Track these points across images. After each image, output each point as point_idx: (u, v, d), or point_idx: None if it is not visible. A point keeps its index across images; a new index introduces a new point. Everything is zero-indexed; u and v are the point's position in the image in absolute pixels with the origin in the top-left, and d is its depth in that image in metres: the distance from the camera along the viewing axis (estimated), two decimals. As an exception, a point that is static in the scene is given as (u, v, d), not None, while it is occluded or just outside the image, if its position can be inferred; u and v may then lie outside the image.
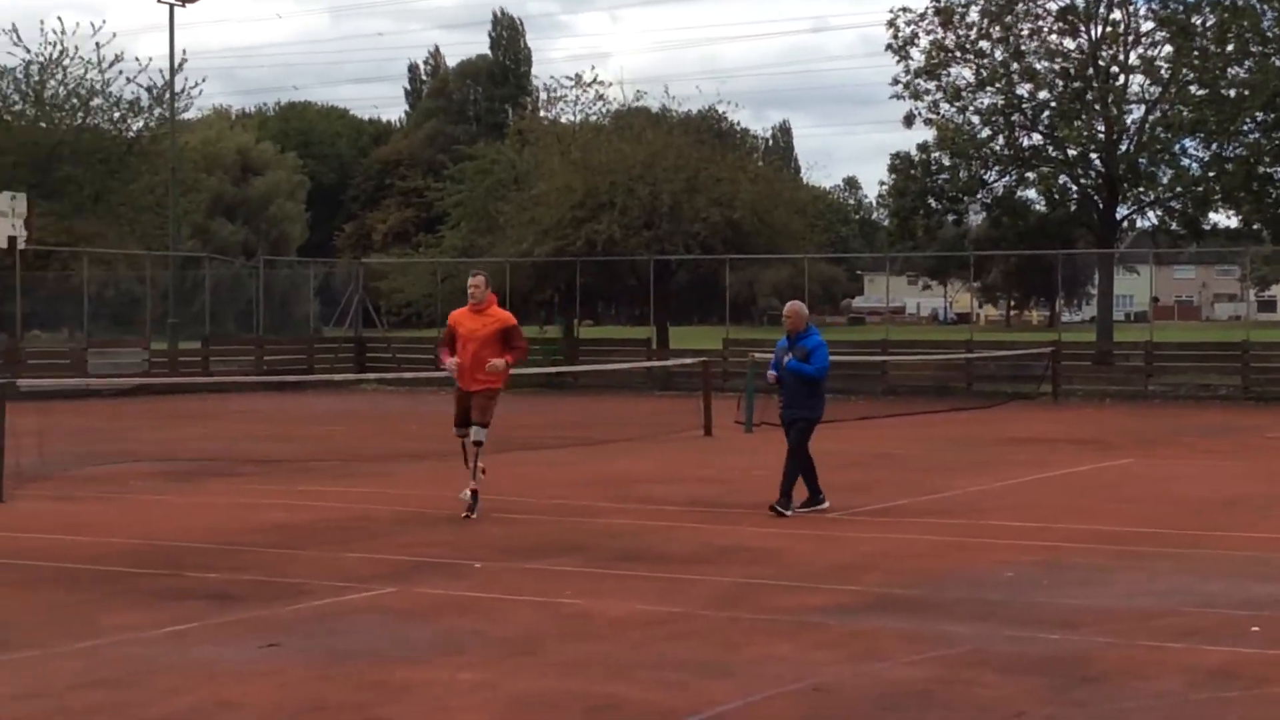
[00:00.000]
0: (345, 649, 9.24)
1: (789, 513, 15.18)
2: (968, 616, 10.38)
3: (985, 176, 47.37)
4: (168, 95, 50.93)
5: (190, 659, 8.96)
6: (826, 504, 15.69)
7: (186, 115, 58.13)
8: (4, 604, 10.67)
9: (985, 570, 12.30)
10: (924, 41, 46.54)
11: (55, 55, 52.68)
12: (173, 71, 48.51)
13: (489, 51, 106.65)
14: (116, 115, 54.38)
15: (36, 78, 52.59)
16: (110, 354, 41.41)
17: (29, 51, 52.55)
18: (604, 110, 51.04)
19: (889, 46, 46.79)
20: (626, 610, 10.57)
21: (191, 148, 66.80)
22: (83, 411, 31.38)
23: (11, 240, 37.98)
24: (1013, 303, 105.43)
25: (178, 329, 43.45)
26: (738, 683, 8.47)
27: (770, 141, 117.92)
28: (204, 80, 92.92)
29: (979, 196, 47.95)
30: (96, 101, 53.54)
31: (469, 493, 15.36)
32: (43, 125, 52.97)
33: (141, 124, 54.60)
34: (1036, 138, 46.92)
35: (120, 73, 53.38)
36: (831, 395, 18.18)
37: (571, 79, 51.30)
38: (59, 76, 52.80)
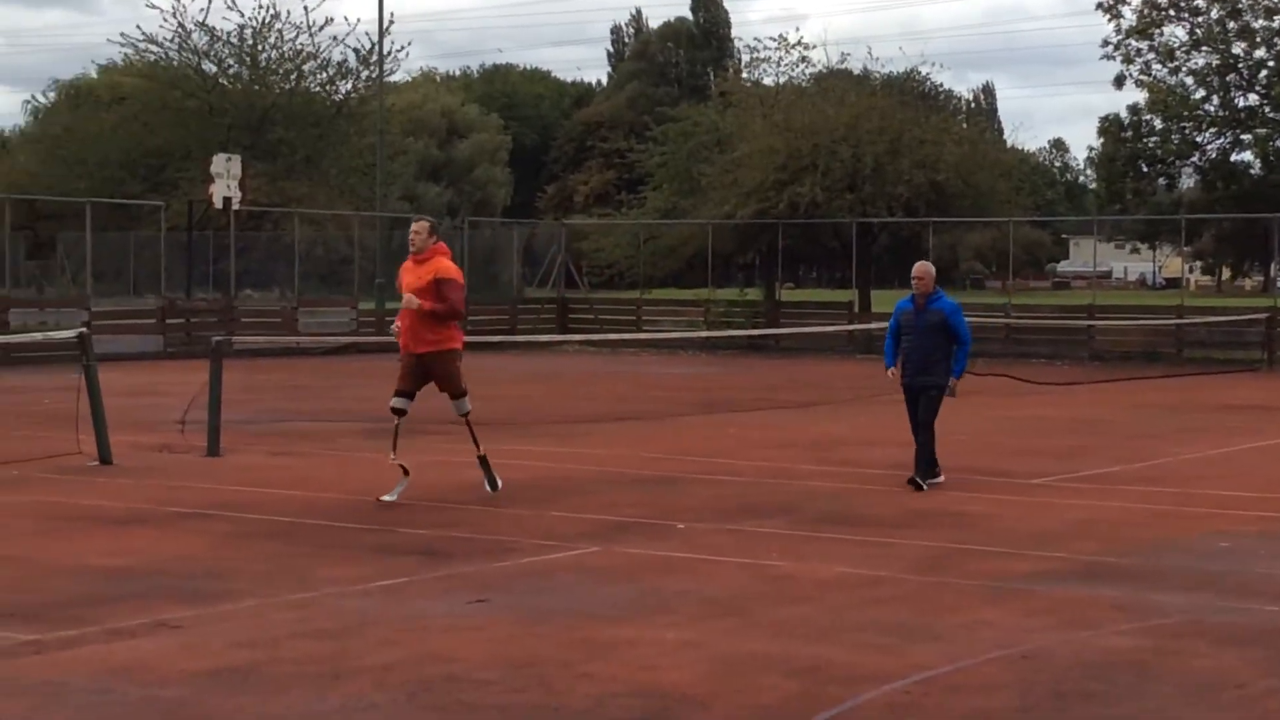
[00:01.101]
0: (551, 606, 9.33)
1: (927, 486, 14.55)
2: (1181, 587, 10.17)
3: (1198, 139, 46.27)
4: (375, 58, 51.60)
5: (401, 613, 9.11)
6: (942, 478, 14.98)
7: (393, 78, 58.95)
8: (223, 555, 10.94)
9: (1199, 540, 12.04)
10: (1136, 0, 45.56)
11: (268, 20, 53.72)
12: (381, 34, 49.20)
13: (689, 14, 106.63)
14: (326, 78, 55.39)
15: (251, 42, 53.70)
16: (319, 313, 42.24)
17: (243, 16, 53.66)
18: (806, 72, 50.77)
19: (1099, 5, 45.88)
20: (831, 573, 10.53)
21: (398, 110, 67.70)
22: (293, 369, 32.05)
23: (227, 201, 38.88)
24: (1226, 268, 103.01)
25: (385, 289, 44.12)
26: (945, 647, 8.40)
27: (973, 103, 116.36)
28: (410, 43, 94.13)
29: (1192, 160, 46.86)
30: (308, 65, 54.54)
31: (399, 483, 13.62)
32: (256, 89, 54.16)
33: (350, 87, 55.58)
34: (1253, 98, 45.74)
35: (332, 37, 54.26)
36: (1037, 360, 17.88)
37: (775, 40, 51.06)
38: (272, 40, 53.88)
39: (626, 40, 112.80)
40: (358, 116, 55.12)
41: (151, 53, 54.60)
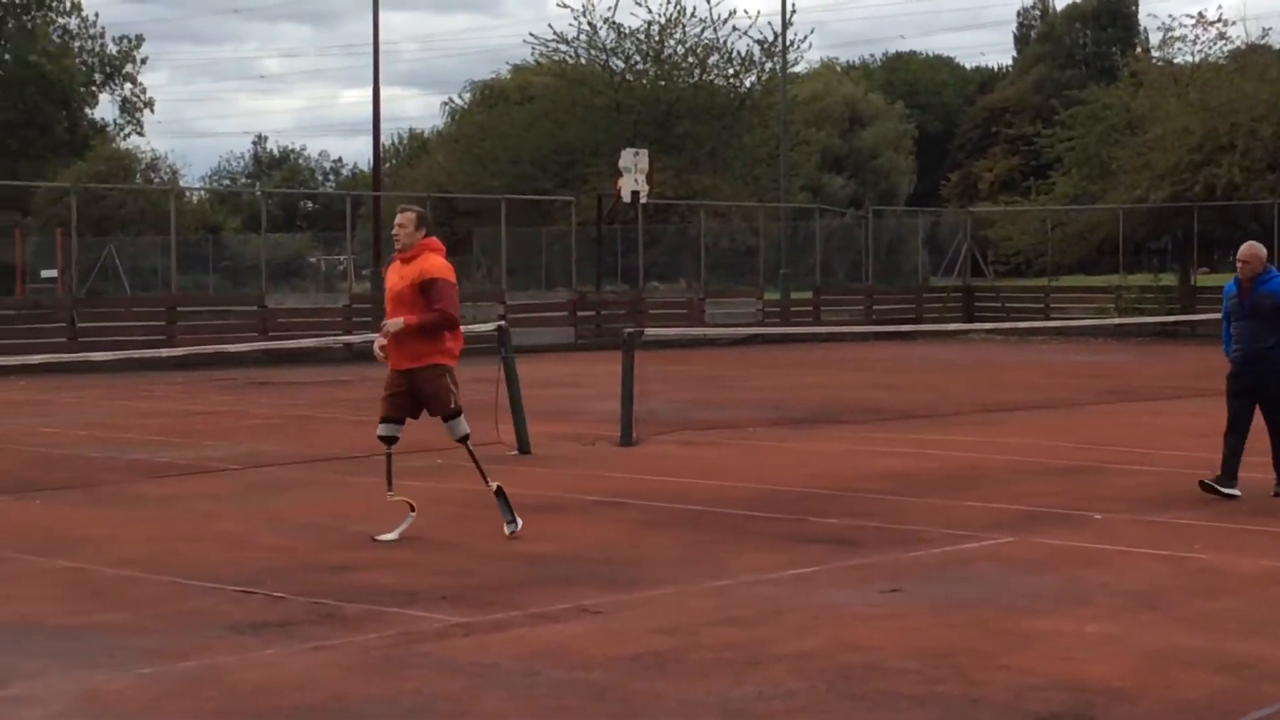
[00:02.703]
0: (966, 596, 9.23)
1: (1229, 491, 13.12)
2: None
3: None
4: (779, 50, 51.84)
5: (815, 601, 9.14)
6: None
7: (795, 69, 59.13)
8: (639, 543, 11.16)
9: None
10: None
11: (674, 15, 54.50)
12: (784, 25, 49.40)
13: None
14: (730, 71, 55.95)
15: (657, 38, 54.58)
16: (725, 304, 42.71)
17: (650, 12, 54.57)
18: (1224, 49, 48.94)
19: None
20: (1259, 567, 10.15)
21: (801, 101, 67.95)
22: (701, 359, 32.49)
23: (634, 195, 39.64)
24: None
25: (789, 279, 44.34)
26: (1386, 647, 8.00)
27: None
28: (812, 32, 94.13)
29: None
30: (712, 59, 55.17)
31: (404, 520, 11.44)
32: (662, 84, 55.02)
33: (753, 79, 56.01)
34: None
35: (733, 29, 54.78)
36: None
37: (1192, 18, 49.37)
38: (677, 35, 54.67)
39: (1032, 23, 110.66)
40: (761, 108, 55.49)
41: (561, 52, 56.07)
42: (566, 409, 21.13)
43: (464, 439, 11.56)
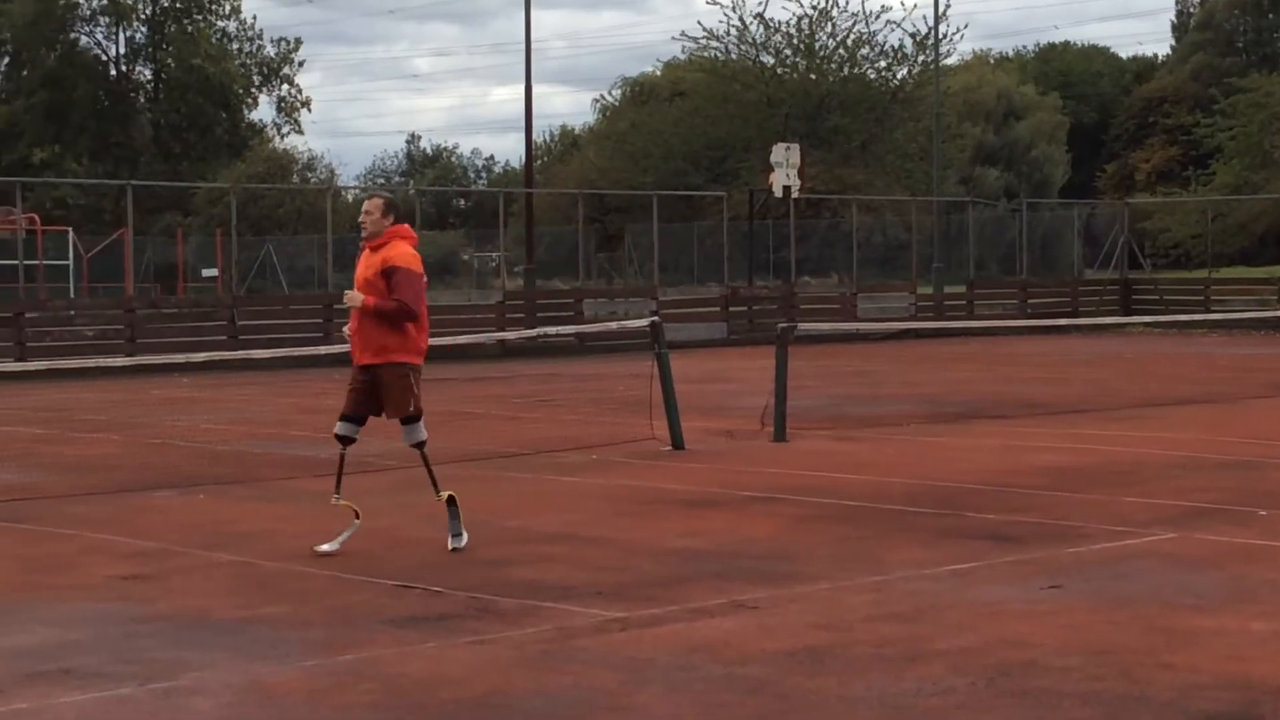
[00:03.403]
0: (1128, 593, 9.10)
1: None
2: None
3: None
4: (931, 42, 51.47)
5: (973, 597, 9.06)
6: None
7: (948, 61, 58.69)
8: (793, 538, 11.13)
9: None
10: None
11: (825, 8, 54.31)
12: (936, 18, 49.01)
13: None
14: (882, 65, 55.65)
15: (808, 31, 54.43)
16: (877, 298, 42.48)
17: (801, 6, 54.44)
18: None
19: None
20: None
21: (953, 94, 67.41)
22: (853, 355, 32.34)
23: (786, 190, 39.56)
24: None
25: (942, 273, 44.00)
26: None
27: None
28: (965, 25, 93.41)
29: None
30: (863, 51, 54.91)
31: (347, 529, 10.76)
32: (812, 77, 54.86)
33: (905, 72, 55.68)
34: None
35: (886, 22, 54.50)
36: None
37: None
38: (828, 29, 54.48)
39: (1190, 9, 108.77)
40: (913, 101, 55.14)
41: (711, 48, 56.09)
42: (719, 404, 21.13)
43: (420, 445, 10.81)
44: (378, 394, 10.71)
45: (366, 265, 10.72)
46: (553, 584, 9.52)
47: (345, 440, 10.86)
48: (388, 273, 10.55)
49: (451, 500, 10.65)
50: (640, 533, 11.38)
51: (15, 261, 34.67)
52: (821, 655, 7.73)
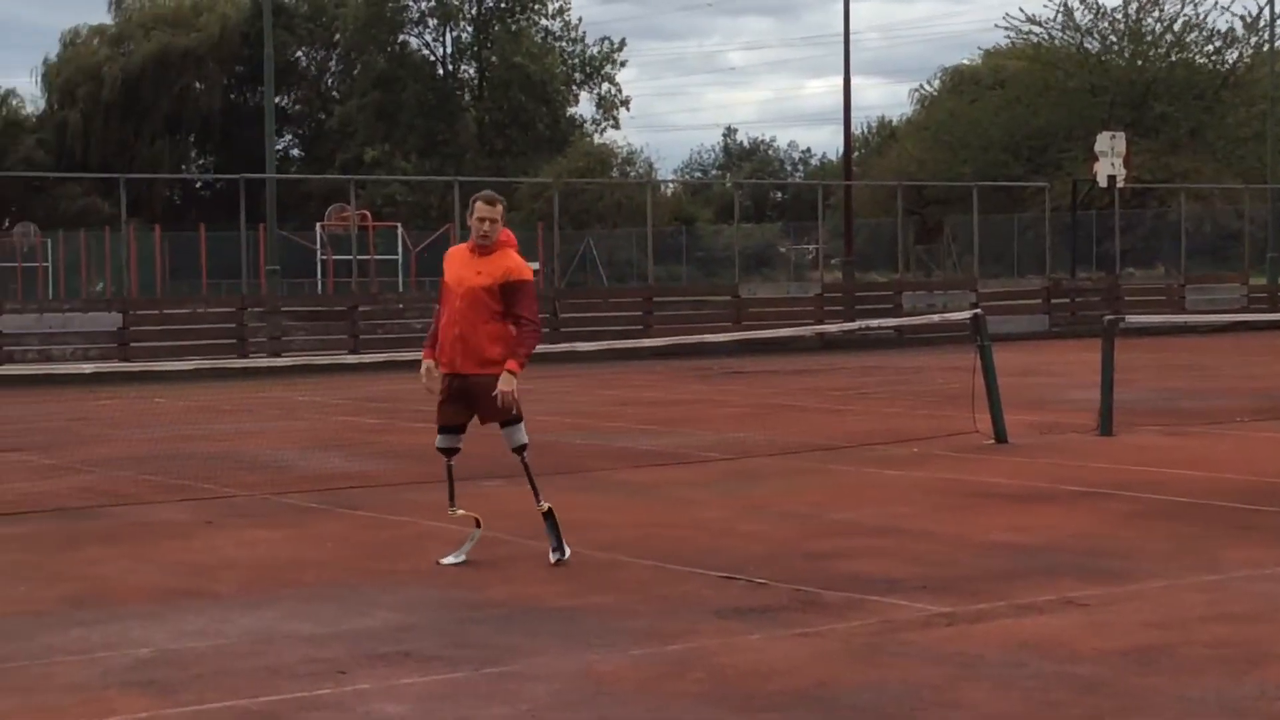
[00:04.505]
0: None
1: None
2: None
3: None
4: (1264, 24, 49.77)
5: (1316, 599, 8.74)
6: None
7: (1283, 43, 56.68)
8: (1123, 534, 10.87)
9: None
10: None
11: (1154, -8, 53.03)
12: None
13: None
14: (1210, 49, 54.03)
15: (1134, 16, 53.17)
16: (1207, 289, 41.22)
17: (1129, -10, 53.20)
18: None
19: None
20: None
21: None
22: (1181, 347, 31.47)
23: (1111, 179, 38.67)
24: None
25: (1277, 263, 42.50)
26: None
27: None
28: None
29: None
30: (1191, 36, 53.41)
31: (468, 539, 10.39)
32: (1137, 63, 53.56)
33: (1235, 55, 53.96)
34: None
35: (1215, 4, 52.88)
36: None
37: None
38: (1155, 14, 53.12)
39: None
40: (1245, 85, 53.39)
41: (1034, 34, 55.13)
42: (1042, 398, 20.77)
43: (521, 449, 10.27)
44: (471, 400, 10.12)
45: (477, 271, 9.90)
46: (877, 577, 9.47)
47: (450, 452, 10.38)
48: (512, 287, 9.89)
49: (549, 513, 10.19)
50: (964, 527, 11.26)
51: (349, 257, 35.90)
52: (1155, 655, 7.54)
